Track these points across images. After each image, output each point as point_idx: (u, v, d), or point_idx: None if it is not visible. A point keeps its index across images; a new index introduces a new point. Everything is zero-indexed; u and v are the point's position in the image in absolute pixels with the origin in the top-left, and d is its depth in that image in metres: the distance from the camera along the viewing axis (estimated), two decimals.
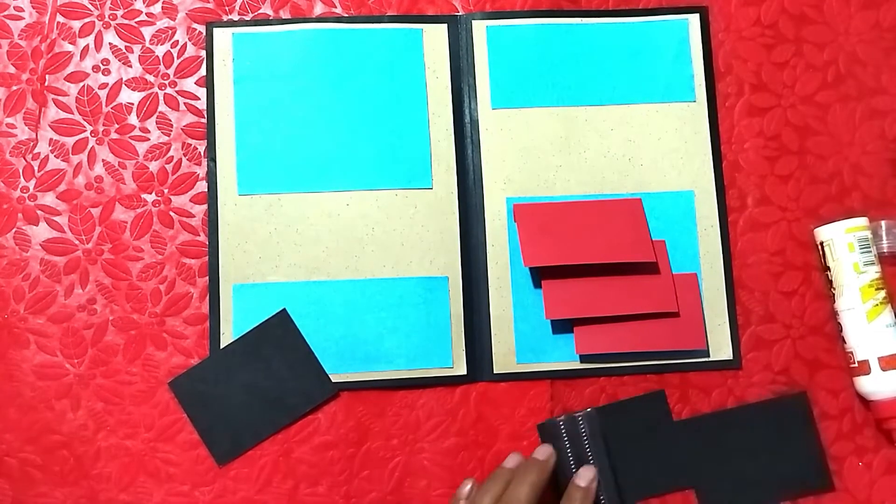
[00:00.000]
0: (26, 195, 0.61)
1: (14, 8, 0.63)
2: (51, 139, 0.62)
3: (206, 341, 0.60)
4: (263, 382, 0.60)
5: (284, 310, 0.60)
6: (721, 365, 0.61)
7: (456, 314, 0.61)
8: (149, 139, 0.62)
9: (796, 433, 0.60)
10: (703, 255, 0.62)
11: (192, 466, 0.59)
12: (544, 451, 0.56)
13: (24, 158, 0.62)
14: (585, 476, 0.56)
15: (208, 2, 0.64)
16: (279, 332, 0.60)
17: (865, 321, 0.59)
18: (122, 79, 0.63)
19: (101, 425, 0.59)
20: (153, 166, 0.62)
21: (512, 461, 0.56)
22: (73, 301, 0.61)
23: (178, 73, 0.63)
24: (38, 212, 0.61)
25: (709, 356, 0.61)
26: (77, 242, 0.61)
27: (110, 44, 0.63)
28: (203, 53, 0.63)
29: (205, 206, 0.62)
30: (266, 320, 0.60)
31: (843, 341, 0.60)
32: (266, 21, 0.63)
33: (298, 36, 0.63)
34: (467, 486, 0.55)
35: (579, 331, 0.60)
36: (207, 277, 0.61)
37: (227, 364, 0.60)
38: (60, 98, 0.62)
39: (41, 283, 0.61)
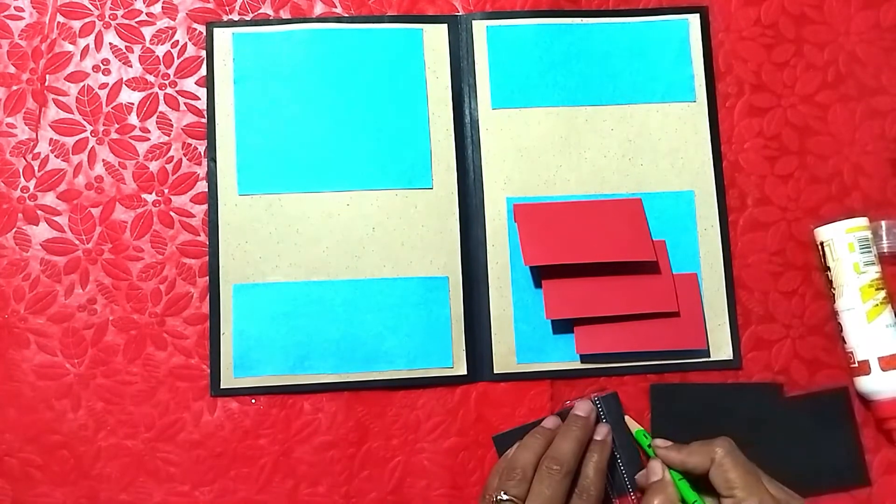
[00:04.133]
0: (26, 195, 0.61)
1: (14, 8, 0.63)
2: (51, 139, 0.62)
3: (206, 341, 0.60)
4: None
5: (615, 393, 0.59)
6: (721, 365, 0.61)
7: (456, 314, 0.61)
8: (149, 139, 0.62)
9: (836, 427, 0.60)
10: (703, 255, 0.62)
11: (192, 466, 0.59)
12: (585, 407, 0.57)
13: (25, 158, 0.62)
14: (601, 431, 0.57)
15: (208, 2, 0.64)
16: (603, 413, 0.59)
17: (865, 321, 0.59)
18: (122, 79, 0.63)
19: (101, 425, 0.59)
20: (153, 166, 0.62)
21: (551, 422, 0.57)
22: (73, 301, 0.61)
23: (178, 73, 0.63)
24: (39, 212, 0.61)
25: (709, 356, 0.61)
26: (77, 242, 0.61)
27: (110, 44, 0.63)
28: (203, 53, 0.63)
29: (205, 206, 0.62)
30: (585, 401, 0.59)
31: (843, 341, 0.60)
32: (266, 21, 0.63)
33: (298, 36, 0.63)
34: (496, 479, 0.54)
35: (579, 331, 0.60)
36: (207, 277, 0.61)
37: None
38: (60, 98, 0.62)
39: (41, 283, 0.61)
